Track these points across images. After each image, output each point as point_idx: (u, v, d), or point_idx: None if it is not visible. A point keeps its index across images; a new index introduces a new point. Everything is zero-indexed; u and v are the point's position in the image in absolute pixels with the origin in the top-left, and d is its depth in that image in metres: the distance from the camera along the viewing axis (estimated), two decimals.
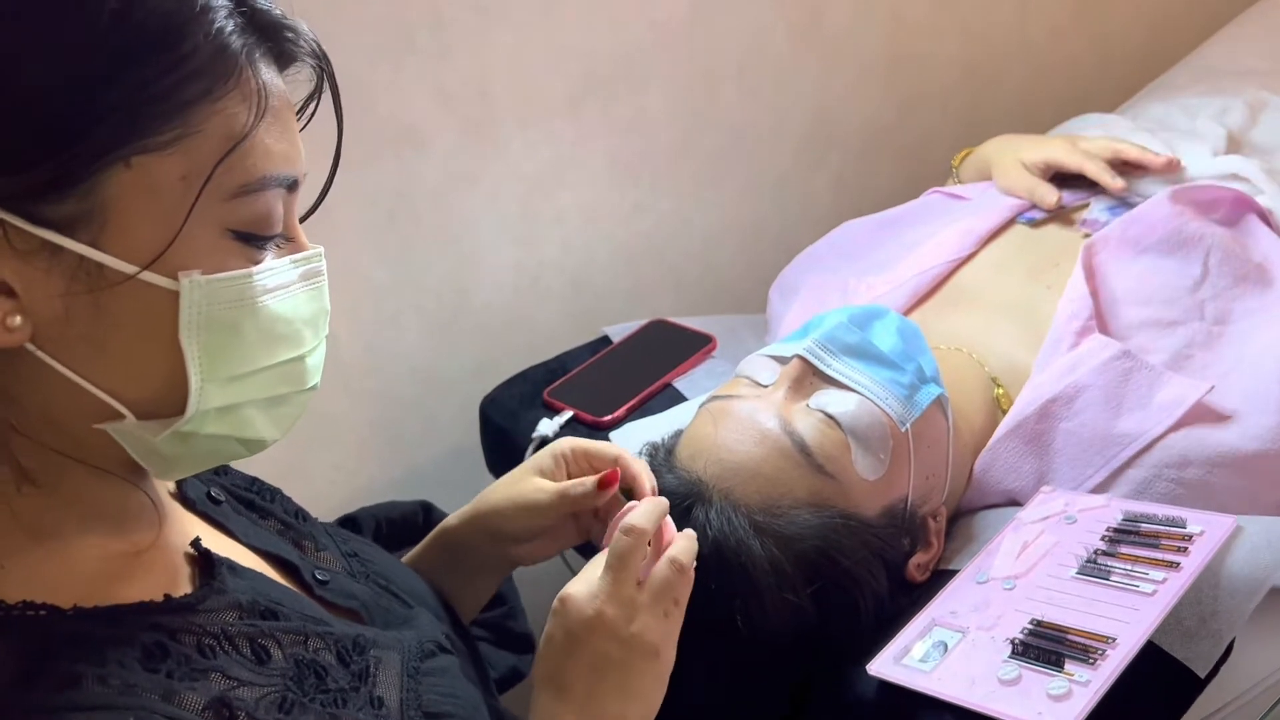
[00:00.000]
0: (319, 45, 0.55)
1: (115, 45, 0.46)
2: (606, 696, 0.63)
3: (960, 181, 1.22)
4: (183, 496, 0.63)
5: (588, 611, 0.64)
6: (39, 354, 0.49)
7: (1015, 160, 1.11)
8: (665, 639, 0.65)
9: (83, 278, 0.48)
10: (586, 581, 0.66)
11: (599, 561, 0.67)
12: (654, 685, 0.65)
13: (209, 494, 0.66)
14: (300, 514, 0.73)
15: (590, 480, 0.74)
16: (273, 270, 0.53)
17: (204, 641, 0.53)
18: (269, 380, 0.54)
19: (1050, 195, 1.06)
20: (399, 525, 0.89)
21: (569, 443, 0.78)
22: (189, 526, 0.61)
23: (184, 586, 0.56)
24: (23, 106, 0.45)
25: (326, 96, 0.58)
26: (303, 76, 0.56)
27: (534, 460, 0.78)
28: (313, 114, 0.58)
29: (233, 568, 0.58)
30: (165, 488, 0.62)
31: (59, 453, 0.52)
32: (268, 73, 0.51)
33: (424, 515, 0.92)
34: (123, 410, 0.51)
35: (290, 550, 0.67)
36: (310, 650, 0.57)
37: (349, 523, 0.87)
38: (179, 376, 0.51)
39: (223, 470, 0.71)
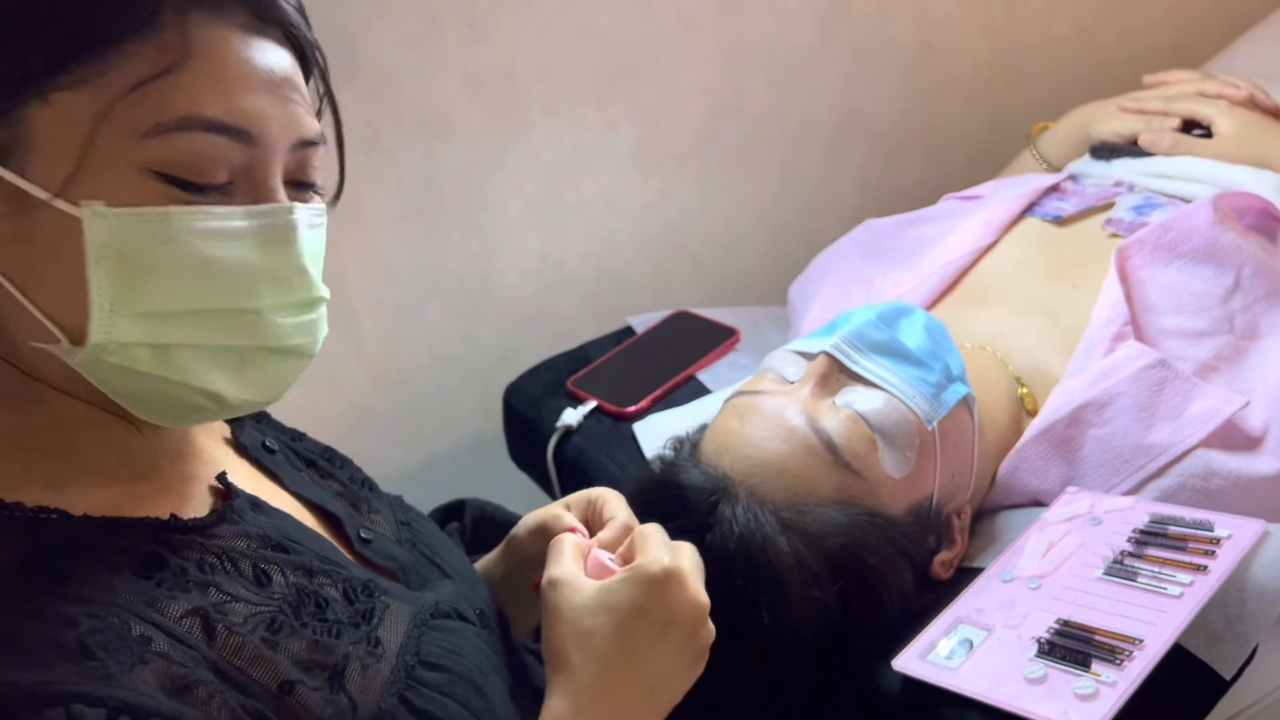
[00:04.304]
0: (297, 13, 0.56)
1: None
2: (657, 659, 0.61)
3: (1040, 155, 1.24)
4: (237, 443, 0.66)
5: (665, 561, 0.61)
6: None
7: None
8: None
9: (13, 202, 0.50)
10: (654, 549, 0.63)
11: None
12: (697, 662, 0.63)
13: (264, 444, 0.67)
14: (367, 483, 0.73)
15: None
16: (208, 214, 0.52)
17: (205, 559, 0.54)
18: (210, 327, 0.54)
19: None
20: (501, 529, 0.87)
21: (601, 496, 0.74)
22: (227, 465, 0.62)
23: (198, 512, 0.57)
24: None
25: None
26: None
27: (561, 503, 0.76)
28: (324, 84, 0.59)
29: (257, 504, 0.59)
30: (211, 431, 0.64)
31: (28, 375, 0.54)
32: (217, 27, 0.52)
33: None
34: (58, 334, 0.52)
35: (341, 507, 0.67)
36: (315, 584, 0.57)
37: (458, 505, 0.88)
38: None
39: (298, 436, 0.73)
